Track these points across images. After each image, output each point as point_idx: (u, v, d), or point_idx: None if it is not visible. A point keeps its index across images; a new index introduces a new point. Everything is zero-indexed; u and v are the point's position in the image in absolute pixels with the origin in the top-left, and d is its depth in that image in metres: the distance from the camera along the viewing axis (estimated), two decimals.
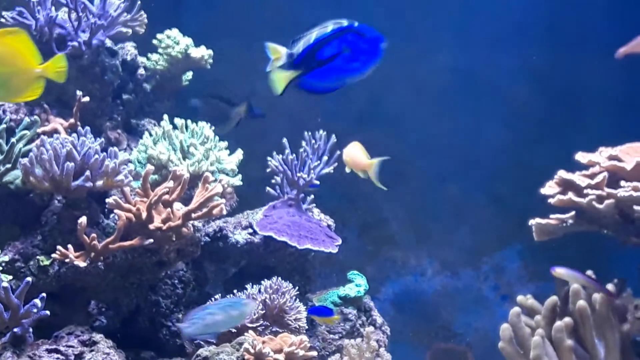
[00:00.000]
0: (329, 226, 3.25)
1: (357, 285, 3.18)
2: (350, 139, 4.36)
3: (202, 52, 3.71)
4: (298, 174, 3.14)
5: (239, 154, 3.26)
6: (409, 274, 4.71)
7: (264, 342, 2.43)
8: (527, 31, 4.37)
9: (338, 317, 2.90)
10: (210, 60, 3.77)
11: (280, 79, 2.14)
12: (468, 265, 4.68)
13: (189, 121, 3.11)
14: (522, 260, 4.65)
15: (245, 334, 2.53)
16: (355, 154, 2.93)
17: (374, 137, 4.50)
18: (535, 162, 2.90)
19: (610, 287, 2.48)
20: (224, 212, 2.56)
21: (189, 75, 3.85)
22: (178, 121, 3.11)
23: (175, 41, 3.66)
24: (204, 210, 2.51)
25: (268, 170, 3.21)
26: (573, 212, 2.59)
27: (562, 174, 2.66)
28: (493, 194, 4.52)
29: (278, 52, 2.20)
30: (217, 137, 3.16)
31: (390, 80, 4.34)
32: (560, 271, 2.43)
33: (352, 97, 4.52)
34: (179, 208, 2.55)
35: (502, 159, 4.43)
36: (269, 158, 3.19)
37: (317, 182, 3.20)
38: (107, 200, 2.52)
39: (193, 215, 2.51)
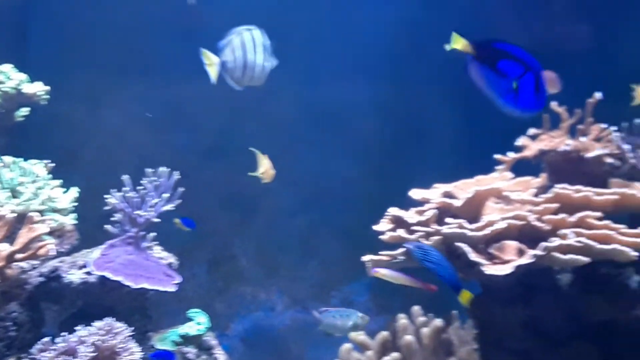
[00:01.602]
0: (170, 264, 3.20)
1: (198, 323, 3.14)
2: (199, 173, 4.35)
3: (36, 88, 3.63)
4: (137, 212, 3.09)
5: (73, 192, 3.18)
6: (259, 309, 4.70)
7: None
8: (373, 66, 4.47)
9: None
10: (46, 96, 3.69)
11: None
12: (317, 299, 4.70)
13: (19, 159, 3.02)
14: (371, 294, 4.71)
15: None
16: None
17: (224, 172, 4.51)
18: (382, 195, 2.95)
19: (437, 322, 2.55)
20: (52, 253, 2.49)
21: (23, 111, 3.73)
22: (7, 159, 3.01)
23: (7, 77, 3.56)
24: (29, 251, 2.43)
25: (107, 207, 3.14)
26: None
27: (393, 210, 2.73)
28: (341, 228, 4.57)
29: (211, 59, 2.59)
30: (50, 175, 3.07)
31: (240, 113, 4.36)
32: (382, 272, 2.48)
33: (202, 131, 4.50)
34: (4, 249, 2.46)
35: (350, 192, 4.50)
36: (105, 196, 3.12)
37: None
38: None
39: (17, 256, 2.43)
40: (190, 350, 3.07)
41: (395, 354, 2.50)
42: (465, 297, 2.28)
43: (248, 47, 2.68)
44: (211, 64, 2.61)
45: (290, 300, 4.72)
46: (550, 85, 3.07)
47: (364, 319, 2.64)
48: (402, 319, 2.62)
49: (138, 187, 3.14)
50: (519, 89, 1.96)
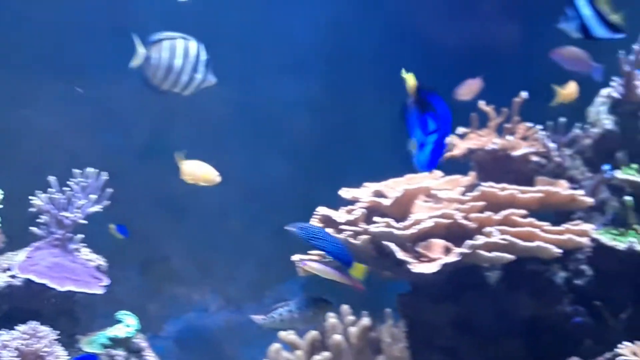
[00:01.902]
0: (98, 266, 3.15)
1: (127, 325, 3.10)
2: (130, 174, 4.29)
3: None
4: (63, 214, 3.03)
5: None
6: (192, 310, 4.65)
7: None
8: (307, 65, 4.47)
9: None
10: None
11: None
12: (251, 299, 4.68)
13: None
14: (305, 293, 4.70)
15: None
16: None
17: (156, 173, 4.46)
18: (315, 194, 2.94)
19: (364, 321, 2.56)
20: None
21: None
22: None
23: None
24: None
25: (32, 209, 3.07)
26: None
27: (322, 210, 2.74)
28: (274, 227, 4.54)
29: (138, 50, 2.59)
30: None
31: (172, 113, 4.31)
32: (311, 265, 2.48)
33: (133, 131, 4.44)
34: None
35: (283, 192, 4.49)
36: (32, 197, 3.06)
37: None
38: None
39: None
40: (119, 353, 3.02)
41: (325, 353, 2.50)
42: (358, 269, 2.29)
43: (177, 53, 2.67)
44: (138, 52, 2.61)
45: (224, 300, 4.69)
46: (468, 91, 3.13)
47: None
48: (331, 318, 2.62)
49: (65, 189, 3.09)
50: (422, 146, 2.04)
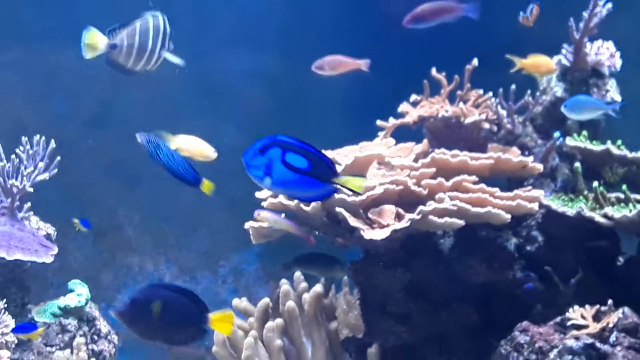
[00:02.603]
0: (48, 235, 3.11)
1: (78, 294, 3.07)
2: (81, 143, 4.24)
3: None
4: (10, 182, 2.98)
5: None
6: (147, 279, 4.63)
7: None
8: (260, 35, 4.44)
9: (42, 330, 2.76)
10: None
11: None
12: (206, 269, 4.66)
13: None
14: (260, 262, 4.70)
15: None
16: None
17: (107, 141, 4.40)
18: None
19: (317, 288, 2.56)
20: None
21: None
22: None
23: None
24: None
25: None
26: (283, 215, 2.65)
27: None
28: (228, 197, 4.52)
29: (97, 41, 2.44)
30: None
31: (122, 82, 4.24)
32: (264, 214, 2.47)
33: (83, 99, 4.37)
34: None
35: (237, 161, 4.45)
36: None
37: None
38: None
39: None
40: (71, 322, 2.99)
41: (278, 320, 2.50)
42: (206, 186, 2.26)
43: (151, 34, 2.59)
44: (94, 44, 2.47)
45: (179, 270, 4.67)
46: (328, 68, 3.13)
47: None
48: (284, 285, 2.61)
49: (12, 157, 3.03)
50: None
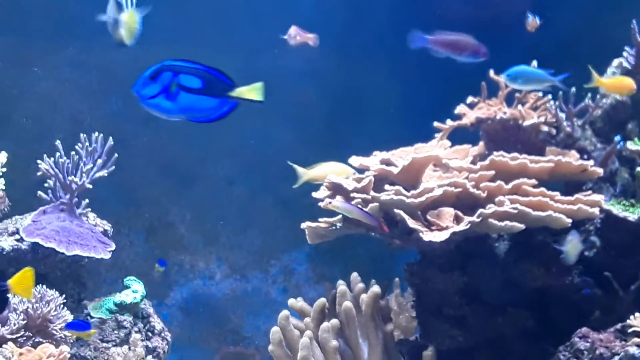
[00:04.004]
0: (105, 231, 3.15)
1: (134, 291, 3.10)
2: (136, 141, 4.28)
3: None
4: (70, 178, 3.02)
5: (2, 156, 3.09)
6: (198, 277, 4.66)
7: (21, 354, 2.31)
8: (316, 33, 4.44)
9: (94, 332, 2.79)
10: None
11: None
12: (257, 268, 4.69)
13: None
14: (310, 263, 4.72)
15: (4, 345, 2.40)
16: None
17: (161, 140, 4.45)
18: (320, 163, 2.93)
19: (375, 288, 2.55)
20: None
21: None
22: None
23: None
24: None
25: (39, 174, 3.06)
26: (340, 216, 2.64)
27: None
28: (280, 196, 4.55)
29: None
30: None
31: None
32: (336, 203, 2.46)
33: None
34: None
35: (289, 160, 4.47)
36: (39, 161, 3.05)
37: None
38: None
39: None
40: (126, 319, 3.03)
41: (333, 320, 2.49)
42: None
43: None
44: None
45: (230, 268, 4.70)
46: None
47: None
48: (340, 285, 2.61)
49: (71, 153, 3.07)
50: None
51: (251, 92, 1.85)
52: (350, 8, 4.38)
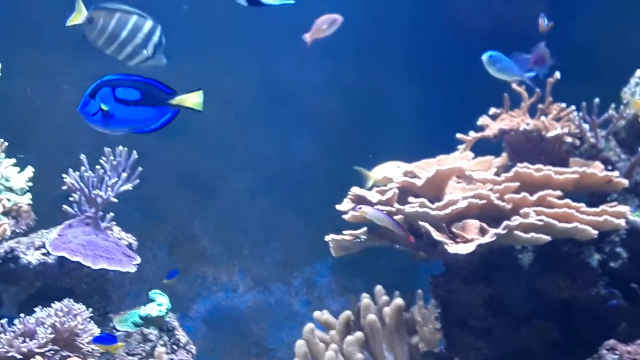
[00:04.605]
0: (129, 245, 3.17)
1: (159, 304, 3.12)
2: (158, 154, 4.30)
3: None
4: (95, 192, 3.04)
5: (28, 171, 3.12)
6: (221, 290, 4.68)
7: None
8: (333, 44, 4.44)
9: (121, 345, 2.81)
10: None
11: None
12: (280, 280, 4.70)
13: None
14: (333, 275, 4.72)
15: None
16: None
17: (183, 152, 4.47)
18: (343, 174, 2.93)
19: (398, 301, 2.55)
20: (8, 233, 2.44)
21: None
22: None
23: None
24: None
25: (64, 187, 3.09)
26: (365, 228, 2.65)
27: (355, 190, 2.72)
28: (302, 207, 4.56)
29: (80, 12, 2.69)
30: (2, 154, 3.01)
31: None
32: (365, 208, 2.46)
33: None
34: None
35: (311, 172, 4.48)
36: (64, 175, 3.07)
37: None
38: None
39: None
40: (152, 332, 3.04)
41: (358, 333, 2.50)
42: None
43: (128, 27, 2.70)
44: (78, 11, 2.70)
45: (252, 281, 4.71)
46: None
47: None
48: (365, 298, 2.61)
49: (96, 167, 3.10)
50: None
51: (191, 99, 1.90)
52: (371, 17, 4.39)
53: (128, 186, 3.11)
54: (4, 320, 2.58)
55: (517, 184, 2.55)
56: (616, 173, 2.66)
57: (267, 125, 4.50)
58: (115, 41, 2.72)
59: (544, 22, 3.05)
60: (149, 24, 2.72)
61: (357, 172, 2.87)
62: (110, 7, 2.74)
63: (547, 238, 2.38)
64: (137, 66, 2.79)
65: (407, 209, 2.49)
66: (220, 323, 4.63)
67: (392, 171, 2.86)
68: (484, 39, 4.01)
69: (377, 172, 2.80)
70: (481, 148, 3.02)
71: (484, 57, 2.76)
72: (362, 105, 4.50)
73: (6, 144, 3.18)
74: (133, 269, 2.96)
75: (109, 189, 3.06)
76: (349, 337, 2.46)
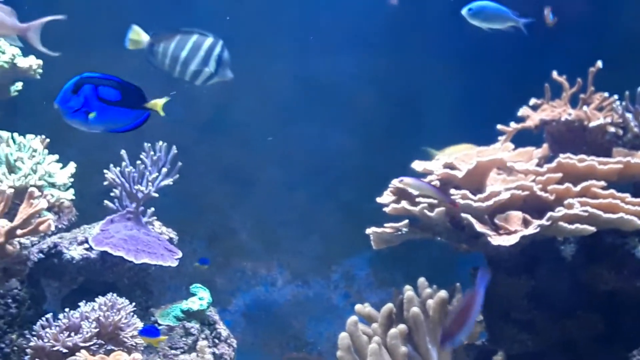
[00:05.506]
0: (170, 239, 3.19)
1: (200, 298, 3.13)
2: (196, 148, 4.32)
3: (30, 62, 3.55)
4: (136, 187, 3.06)
5: (71, 167, 3.16)
6: (260, 284, 4.69)
7: None
8: (368, 36, 4.44)
9: (164, 338, 2.82)
10: (40, 70, 3.61)
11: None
12: (318, 273, 4.70)
13: (15, 134, 2.99)
14: (372, 268, 4.71)
15: (77, 354, 2.43)
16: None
17: (221, 146, 4.48)
18: (380, 167, 2.93)
19: (442, 293, 2.54)
20: (52, 228, 2.47)
21: (18, 85, 3.67)
22: (3, 134, 2.99)
23: (1, 50, 3.49)
24: (30, 227, 2.41)
25: (105, 183, 3.11)
26: (407, 221, 2.64)
27: (396, 182, 2.71)
28: (341, 201, 4.56)
29: (140, 37, 2.70)
30: (46, 150, 3.04)
31: (235, 88, 4.32)
32: (408, 180, 2.46)
33: (199, 105, 4.46)
34: (3, 225, 2.44)
35: (348, 165, 4.48)
36: (105, 171, 3.09)
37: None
38: None
39: (17, 232, 2.41)
40: (194, 326, 3.06)
41: (402, 326, 2.48)
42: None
43: (188, 46, 2.71)
44: (138, 39, 2.74)
45: (291, 274, 4.72)
46: None
47: None
48: (408, 291, 2.59)
49: (136, 162, 3.12)
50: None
51: (160, 104, 1.93)
52: (408, 10, 4.36)
53: (168, 181, 3.13)
54: (49, 315, 2.60)
55: (560, 174, 2.52)
56: None
57: (305, 119, 4.50)
58: (177, 62, 2.73)
59: (549, 16, 3.01)
60: (209, 40, 2.73)
61: (392, 166, 2.86)
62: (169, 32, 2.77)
63: (592, 229, 2.34)
64: (205, 85, 2.81)
65: None
66: (260, 317, 4.64)
67: (433, 163, 2.84)
68: (527, 31, 3.99)
69: (448, 153, 2.80)
70: (521, 139, 2.99)
71: (464, 11, 2.70)
72: (400, 99, 4.48)
73: (48, 140, 3.22)
74: (175, 264, 2.98)
75: (150, 183, 3.07)
76: (393, 330, 2.45)
